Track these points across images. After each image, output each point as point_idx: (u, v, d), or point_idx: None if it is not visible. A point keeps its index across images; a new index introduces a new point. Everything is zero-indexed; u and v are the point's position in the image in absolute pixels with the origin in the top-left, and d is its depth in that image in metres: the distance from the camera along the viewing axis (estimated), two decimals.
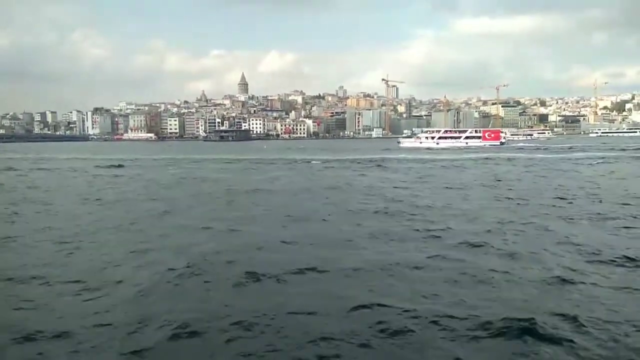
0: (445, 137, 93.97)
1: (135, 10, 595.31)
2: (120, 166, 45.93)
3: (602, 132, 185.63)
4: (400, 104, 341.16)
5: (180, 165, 48.62)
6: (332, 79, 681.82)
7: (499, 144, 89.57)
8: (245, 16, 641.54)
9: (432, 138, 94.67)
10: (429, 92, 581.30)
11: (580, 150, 67.63)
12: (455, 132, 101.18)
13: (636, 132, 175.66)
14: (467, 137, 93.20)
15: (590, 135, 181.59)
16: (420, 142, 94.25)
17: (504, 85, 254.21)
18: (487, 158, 52.41)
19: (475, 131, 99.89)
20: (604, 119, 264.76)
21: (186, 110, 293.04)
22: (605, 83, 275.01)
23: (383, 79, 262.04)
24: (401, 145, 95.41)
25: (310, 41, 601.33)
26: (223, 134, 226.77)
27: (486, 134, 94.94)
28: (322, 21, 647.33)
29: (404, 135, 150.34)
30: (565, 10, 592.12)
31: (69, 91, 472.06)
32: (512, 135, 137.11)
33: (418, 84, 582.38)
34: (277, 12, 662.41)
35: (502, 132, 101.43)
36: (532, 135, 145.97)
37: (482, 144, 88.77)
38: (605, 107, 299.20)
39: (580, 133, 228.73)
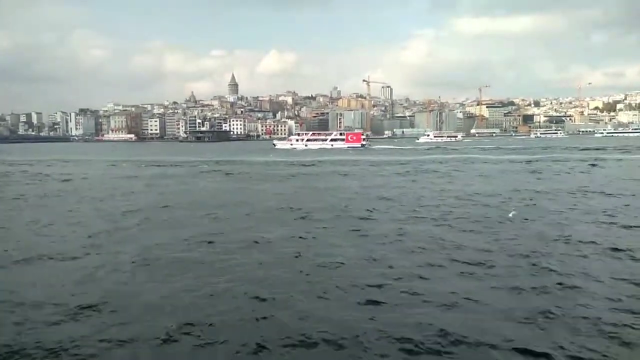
0: (314, 140, 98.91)
1: (135, 11, 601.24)
2: None
3: (607, 133, 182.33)
4: (393, 105, 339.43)
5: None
6: (330, 79, 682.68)
7: (360, 146, 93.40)
8: (245, 16, 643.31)
9: (302, 140, 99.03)
10: (426, 92, 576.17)
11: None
12: (322, 134, 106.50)
13: None
14: (332, 140, 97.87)
15: (596, 135, 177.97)
16: (292, 144, 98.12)
17: (486, 86, 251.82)
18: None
19: (340, 134, 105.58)
20: (590, 119, 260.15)
21: (171, 111, 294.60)
22: (589, 84, 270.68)
23: (364, 80, 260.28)
24: (276, 147, 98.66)
25: (309, 41, 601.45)
26: (200, 134, 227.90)
27: (349, 137, 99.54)
28: (321, 21, 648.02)
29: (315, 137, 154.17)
30: (565, 10, 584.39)
31: (67, 92, 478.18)
32: (435, 137, 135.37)
33: (416, 84, 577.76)
34: (277, 12, 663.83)
35: (363, 134, 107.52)
36: (456, 137, 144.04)
37: (345, 145, 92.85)
38: (596, 108, 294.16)
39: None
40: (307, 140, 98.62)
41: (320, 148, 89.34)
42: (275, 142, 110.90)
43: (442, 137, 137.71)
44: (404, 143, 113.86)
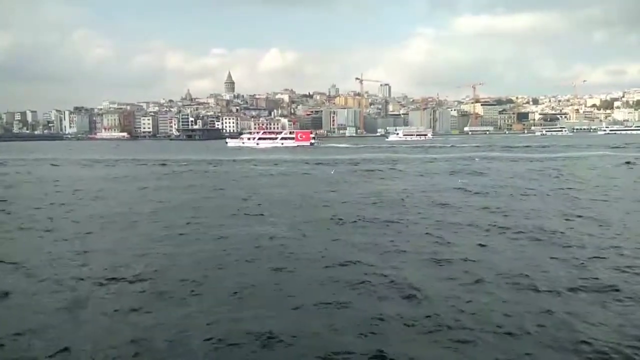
0: (265, 138, 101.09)
1: (135, 11, 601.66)
2: None
3: (609, 130, 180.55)
4: (388, 103, 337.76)
5: None
6: (331, 78, 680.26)
7: (309, 144, 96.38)
8: (246, 15, 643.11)
9: (254, 139, 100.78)
10: (427, 91, 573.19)
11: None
12: (273, 133, 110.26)
13: None
14: (282, 138, 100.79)
15: (598, 132, 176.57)
16: (243, 143, 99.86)
17: (480, 84, 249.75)
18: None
19: (290, 133, 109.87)
20: (585, 117, 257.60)
21: (166, 109, 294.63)
22: (584, 81, 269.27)
23: (357, 78, 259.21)
24: (228, 145, 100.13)
25: (310, 40, 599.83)
26: (190, 132, 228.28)
27: (298, 135, 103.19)
28: (322, 20, 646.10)
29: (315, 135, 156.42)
30: (566, 8, 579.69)
31: (67, 92, 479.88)
32: (404, 135, 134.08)
33: (416, 83, 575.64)
34: (278, 11, 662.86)
35: (312, 133, 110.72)
36: (426, 135, 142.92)
37: (295, 144, 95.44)
38: (593, 105, 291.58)
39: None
40: (259, 138, 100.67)
41: (272, 146, 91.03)
42: (227, 140, 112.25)
43: (411, 135, 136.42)
44: (371, 141, 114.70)
